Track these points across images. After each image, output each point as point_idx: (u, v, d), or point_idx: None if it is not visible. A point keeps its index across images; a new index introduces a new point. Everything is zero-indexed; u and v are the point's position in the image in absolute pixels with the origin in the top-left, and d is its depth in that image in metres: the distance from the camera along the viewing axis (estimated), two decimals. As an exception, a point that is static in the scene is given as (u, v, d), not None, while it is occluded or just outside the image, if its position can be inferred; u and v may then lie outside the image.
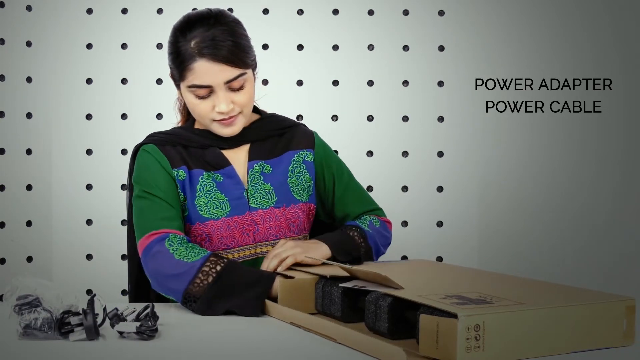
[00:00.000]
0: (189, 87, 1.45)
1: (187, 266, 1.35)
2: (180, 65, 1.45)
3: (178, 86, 1.50)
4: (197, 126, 1.58)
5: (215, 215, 1.48)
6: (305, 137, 1.62)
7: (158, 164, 1.50)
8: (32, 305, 1.11)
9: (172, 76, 1.51)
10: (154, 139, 1.55)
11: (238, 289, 1.33)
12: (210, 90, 1.44)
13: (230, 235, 1.48)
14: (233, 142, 1.55)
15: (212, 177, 1.51)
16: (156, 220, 1.43)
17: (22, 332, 1.09)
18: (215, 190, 1.50)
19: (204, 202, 1.48)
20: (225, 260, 1.38)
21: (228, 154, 1.55)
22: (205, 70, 1.42)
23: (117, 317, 1.12)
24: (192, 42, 1.43)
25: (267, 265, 1.41)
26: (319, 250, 1.46)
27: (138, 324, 1.10)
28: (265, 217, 1.51)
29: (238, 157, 1.55)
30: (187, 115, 1.62)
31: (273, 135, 1.59)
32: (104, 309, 1.13)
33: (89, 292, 2.25)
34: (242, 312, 1.31)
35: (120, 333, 1.10)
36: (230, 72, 1.43)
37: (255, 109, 1.62)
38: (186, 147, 1.54)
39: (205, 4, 2.23)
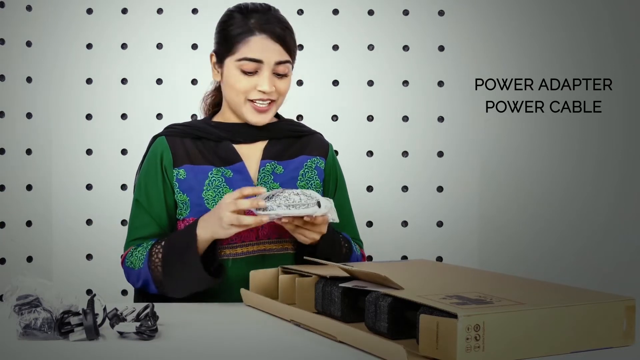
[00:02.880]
0: (239, 60, 1.49)
1: (142, 272, 1.45)
2: (234, 38, 1.50)
3: (221, 62, 1.54)
4: (215, 118, 1.61)
5: None
6: (321, 145, 1.65)
7: (159, 168, 1.53)
8: (32, 305, 1.11)
9: (217, 52, 1.55)
10: (168, 130, 1.59)
11: (181, 270, 1.41)
12: (258, 67, 1.49)
13: None
14: (247, 137, 1.57)
15: (222, 172, 1.52)
16: (132, 236, 1.53)
17: (22, 332, 1.09)
18: (223, 185, 1.51)
19: (211, 195, 1.50)
20: (163, 244, 1.43)
21: (242, 149, 1.56)
22: (261, 46, 1.48)
23: (116, 317, 1.12)
24: (252, 19, 1.50)
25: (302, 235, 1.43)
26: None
27: (138, 324, 1.10)
28: None
29: (252, 154, 1.57)
30: (211, 115, 1.65)
31: (290, 136, 1.62)
32: (104, 309, 1.13)
33: (89, 292, 2.25)
34: (199, 286, 1.42)
35: (120, 333, 1.10)
36: (282, 54, 1.50)
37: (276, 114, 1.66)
38: (200, 138, 1.56)
39: (205, 3, 2.24)
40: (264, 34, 1.48)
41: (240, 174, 1.52)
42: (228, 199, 1.36)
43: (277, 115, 1.66)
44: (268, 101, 1.52)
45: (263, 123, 1.54)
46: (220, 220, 1.35)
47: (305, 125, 1.69)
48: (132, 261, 1.47)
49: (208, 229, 1.39)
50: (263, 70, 1.49)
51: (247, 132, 1.56)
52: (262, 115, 1.53)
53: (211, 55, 1.57)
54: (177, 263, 1.40)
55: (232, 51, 1.50)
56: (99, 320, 1.10)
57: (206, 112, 1.68)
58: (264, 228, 1.51)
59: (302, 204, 1.36)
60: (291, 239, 1.53)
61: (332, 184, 1.65)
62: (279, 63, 1.50)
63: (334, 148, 1.71)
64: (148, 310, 1.14)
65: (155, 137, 1.59)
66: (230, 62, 1.51)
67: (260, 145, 1.58)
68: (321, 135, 1.69)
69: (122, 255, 1.52)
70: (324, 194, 1.63)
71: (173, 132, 1.57)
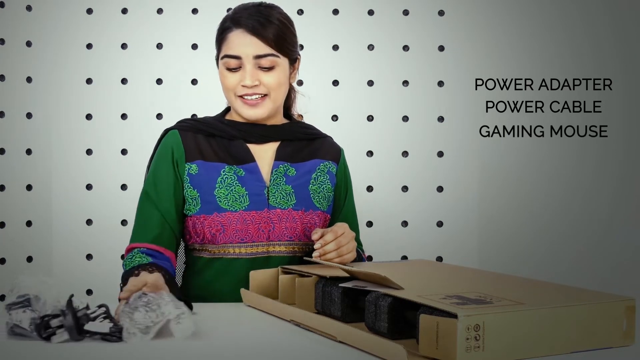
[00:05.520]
0: (222, 58, 1.50)
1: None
2: (219, 38, 1.52)
3: (217, 64, 1.55)
4: (228, 117, 1.60)
5: (234, 208, 1.49)
6: (334, 150, 1.65)
7: (170, 163, 1.52)
8: (23, 305, 1.11)
9: (216, 57, 1.56)
10: (181, 124, 1.59)
11: None
12: (240, 63, 1.48)
13: (245, 229, 1.49)
14: (260, 137, 1.56)
15: (234, 170, 1.52)
16: (136, 232, 1.51)
17: (10, 331, 1.10)
18: (236, 183, 1.51)
19: (223, 193, 1.49)
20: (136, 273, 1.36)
21: (254, 149, 1.56)
22: (237, 40, 1.48)
23: (86, 317, 1.10)
24: (234, 16, 1.50)
25: (324, 252, 1.39)
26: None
27: (111, 324, 1.08)
28: (283, 217, 1.51)
29: (265, 155, 1.56)
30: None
31: (302, 138, 1.61)
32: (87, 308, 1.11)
33: (89, 292, 2.25)
34: None
35: (89, 333, 1.09)
36: (262, 47, 1.48)
37: (287, 115, 1.66)
38: (213, 135, 1.56)
39: (206, 3, 2.24)
40: (240, 28, 1.48)
41: (252, 174, 1.52)
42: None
43: (288, 117, 1.66)
44: (256, 95, 1.50)
45: (257, 117, 1.53)
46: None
47: (317, 128, 1.68)
48: (127, 264, 1.46)
49: None
50: (245, 65, 1.48)
51: (260, 133, 1.56)
52: (254, 109, 1.51)
53: (215, 58, 1.58)
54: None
55: (219, 51, 1.52)
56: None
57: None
58: (275, 229, 1.50)
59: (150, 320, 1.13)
60: (302, 242, 1.53)
61: (344, 190, 1.65)
62: (259, 57, 1.48)
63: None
64: (104, 309, 1.12)
65: (167, 131, 1.59)
66: (220, 62, 1.53)
67: (273, 146, 1.57)
68: (332, 138, 1.69)
69: (126, 248, 1.50)
70: (335, 199, 1.63)
71: (186, 127, 1.56)
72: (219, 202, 1.49)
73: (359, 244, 1.68)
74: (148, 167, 1.60)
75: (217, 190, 1.50)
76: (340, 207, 1.64)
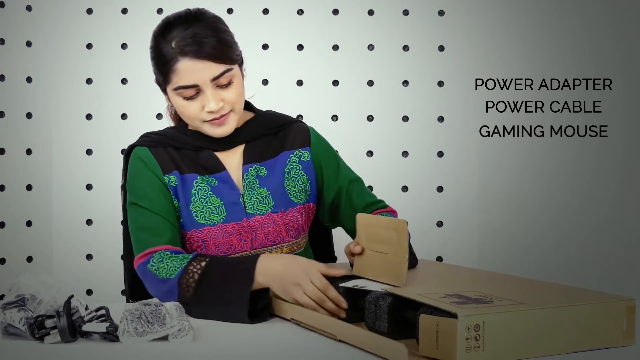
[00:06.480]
0: (175, 89, 1.41)
1: (169, 283, 1.34)
2: (163, 68, 1.42)
3: (165, 91, 1.47)
4: (190, 127, 1.53)
5: (212, 221, 1.45)
6: (301, 135, 1.56)
7: (148, 171, 1.47)
8: (17, 304, 1.11)
9: (157, 81, 1.48)
10: (147, 140, 1.52)
11: (219, 296, 1.28)
12: (197, 89, 1.40)
13: (228, 241, 1.45)
14: (226, 143, 1.50)
15: (207, 181, 1.47)
16: (144, 238, 1.42)
17: (4, 331, 1.10)
18: (210, 194, 1.46)
19: (199, 207, 1.45)
20: (204, 265, 1.32)
21: (222, 156, 1.50)
22: (189, 70, 1.38)
23: (81, 319, 1.10)
24: (172, 42, 1.40)
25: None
26: None
27: (107, 324, 1.08)
28: (263, 223, 1.47)
29: (232, 160, 1.51)
30: (179, 120, 1.58)
31: (267, 134, 1.55)
32: (85, 309, 1.11)
33: (89, 292, 2.25)
34: (232, 320, 1.25)
35: (86, 334, 1.09)
36: (215, 68, 1.39)
37: (250, 107, 1.58)
38: (179, 149, 1.50)
39: (203, 3, 2.23)
40: (187, 56, 1.37)
41: (225, 182, 1.47)
42: (315, 269, 1.23)
43: (252, 110, 1.59)
44: (221, 117, 1.44)
45: (227, 133, 1.46)
46: (296, 285, 1.23)
47: (283, 115, 1.60)
48: (160, 268, 1.36)
49: (269, 281, 1.27)
50: (203, 91, 1.40)
51: (225, 139, 1.49)
52: (222, 128, 1.44)
53: (155, 81, 1.50)
54: (216, 292, 1.29)
55: (167, 81, 1.42)
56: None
57: (174, 119, 1.61)
58: (257, 237, 1.47)
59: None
60: (287, 244, 1.51)
61: (331, 169, 1.57)
62: (216, 78, 1.40)
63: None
64: (103, 311, 1.12)
65: (132, 147, 1.51)
66: (170, 92, 1.44)
67: (239, 149, 1.52)
68: (300, 122, 1.61)
69: (137, 256, 1.41)
70: (318, 183, 1.56)
71: (152, 142, 1.50)
72: (195, 217, 1.44)
73: (381, 203, 1.60)
74: (124, 188, 1.51)
75: (192, 204, 1.45)
76: (334, 185, 1.56)
